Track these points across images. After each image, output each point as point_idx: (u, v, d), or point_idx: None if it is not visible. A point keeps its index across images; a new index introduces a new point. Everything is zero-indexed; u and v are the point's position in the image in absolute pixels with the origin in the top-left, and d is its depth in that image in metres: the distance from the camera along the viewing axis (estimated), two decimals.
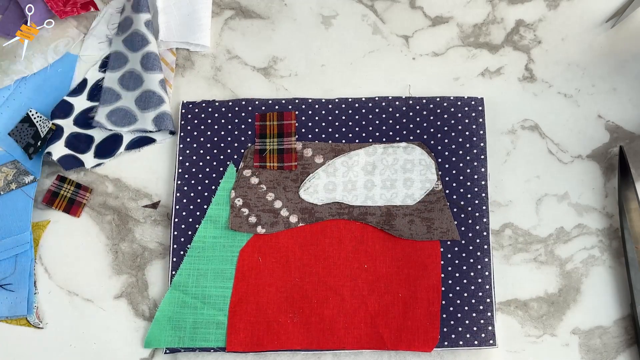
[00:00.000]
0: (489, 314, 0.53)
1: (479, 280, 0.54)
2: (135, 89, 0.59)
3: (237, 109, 0.59)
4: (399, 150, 0.57)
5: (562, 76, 0.60)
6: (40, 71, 0.61)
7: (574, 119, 0.59)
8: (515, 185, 0.57)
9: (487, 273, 0.54)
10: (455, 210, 0.56)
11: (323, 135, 0.58)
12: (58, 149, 0.58)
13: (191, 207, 0.57)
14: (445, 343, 0.53)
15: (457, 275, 0.54)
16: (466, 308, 0.54)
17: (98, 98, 0.60)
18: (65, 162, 0.58)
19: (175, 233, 0.56)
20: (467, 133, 0.57)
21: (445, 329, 0.53)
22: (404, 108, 0.58)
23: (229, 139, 0.58)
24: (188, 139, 0.58)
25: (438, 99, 0.58)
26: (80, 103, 0.60)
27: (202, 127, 0.59)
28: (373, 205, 0.56)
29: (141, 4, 0.59)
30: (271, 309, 0.54)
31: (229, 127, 0.59)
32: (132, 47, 0.59)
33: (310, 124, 0.58)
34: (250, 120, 0.59)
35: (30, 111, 0.58)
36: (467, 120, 0.57)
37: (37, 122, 0.58)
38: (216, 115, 0.59)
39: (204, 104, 0.59)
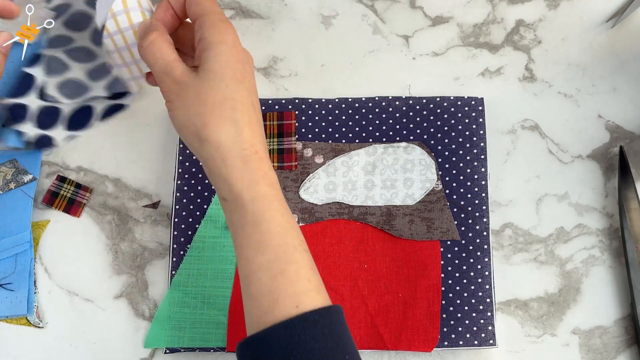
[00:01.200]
0: (489, 313, 0.53)
1: (479, 280, 0.54)
2: (87, 62, 0.57)
3: None
4: (399, 150, 0.57)
5: (562, 76, 0.60)
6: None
7: (574, 118, 0.59)
8: (515, 185, 0.57)
9: (487, 273, 0.54)
10: (455, 210, 0.56)
11: (323, 135, 0.58)
12: (30, 129, 0.56)
13: (191, 207, 0.57)
14: (445, 343, 0.53)
15: (457, 275, 0.54)
16: (466, 308, 0.54)
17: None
18: (41, 143, 0.56)
19: (175, 233, 0.56)
20: (467, 133, 0.57)
21: (445, 329, 0.53)
22: (404, 108, 0.58)
23: None
24: None
25: (438, 99, 0.58)
26: (40, 73, 0.57)
27: None
28: (373, 205, 0.56)
29: None
30: None
31: None
32: (76, 27, 0.58)
33: (310, 124, 0.58)
34: None
35: None
36: (467, 120, 0.57)
37: None
38: None
39: None
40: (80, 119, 0.57)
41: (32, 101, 0.57)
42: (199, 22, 0.43)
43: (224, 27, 0.43)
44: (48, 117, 0.57)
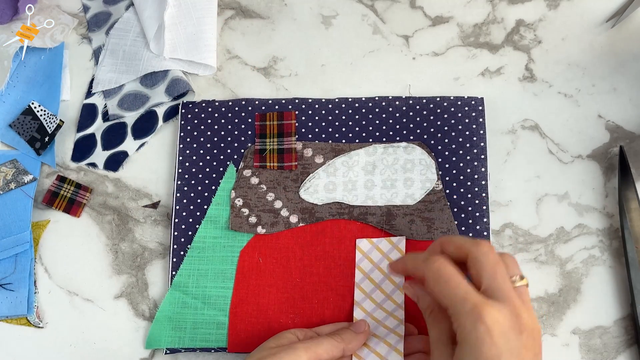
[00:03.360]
0: None
1: None
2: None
3: (237, 109, 0.59)
4: (399, 150, 0.57)
5: (562, 76, 0.60)
6: (31, 63, 0.61)
7: (574, 118, 0.59)
8: (515, 185, 0.57)
9: None
10: (455, 210, 0.56)
11: (323, 135, 0.58)
12: (100, 156, 0.59)
13: (191, 207, 0.57)
14: None
15: None
16: None
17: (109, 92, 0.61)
18: (111, 164, 0.59)
19: (176, 233, 0.56)
20: (467, 133, 0.57)
21: None
22: (404, 108, 0.58)
23: (229, 139, 0.58)
24: (188, 139, 0.58)
25: (438, 99, 0.58)
26: (100, 99, 0.61)
27: (202, 127, 0.59)
28: (373, 205, 0.56)
29: None
30: (272, 309, 0.54)
31: (229, 127, 0.59)
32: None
33: (310, 123, 0.58)
34: (250, 120, 0.59)
35: (33, 103, 0.58)
36: (467, 120, 0.57)
37: (40, 115, 0.58)
38: (216, 115, 0.59)
39: (203, 104, 0.59)
40: (145, 126, 0.59)
41: (98, 127, 0.60)
42: (448, 309, 0.40)
43: (476, 335, 0.38)
44: (116, 134, 0.59)
